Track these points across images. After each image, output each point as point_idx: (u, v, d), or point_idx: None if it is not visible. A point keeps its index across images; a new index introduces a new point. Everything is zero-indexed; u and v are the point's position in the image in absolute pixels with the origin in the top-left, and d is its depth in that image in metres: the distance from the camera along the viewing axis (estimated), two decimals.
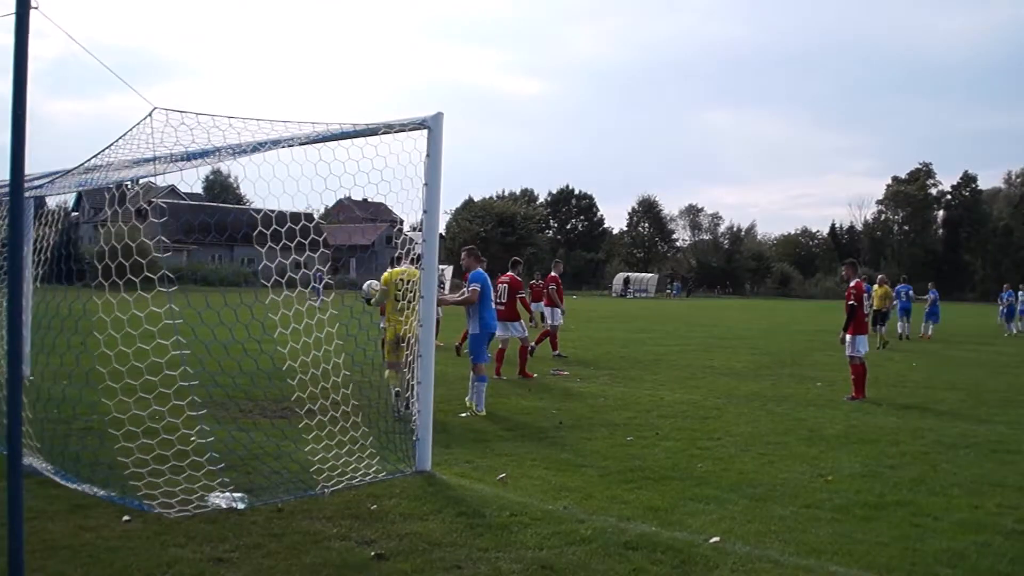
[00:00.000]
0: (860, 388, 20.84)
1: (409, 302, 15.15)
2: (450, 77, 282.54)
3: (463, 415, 17.75)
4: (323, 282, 14.70)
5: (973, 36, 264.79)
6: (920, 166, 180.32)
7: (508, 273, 24.11)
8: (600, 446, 13.74)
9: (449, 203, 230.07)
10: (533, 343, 25.97)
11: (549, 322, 27.95)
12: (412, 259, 15.18)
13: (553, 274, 28.08)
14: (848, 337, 21.22)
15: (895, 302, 45.10)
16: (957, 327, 54.01)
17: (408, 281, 15.54)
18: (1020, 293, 53.09)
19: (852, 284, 21.30)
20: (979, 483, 11.65)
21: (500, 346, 23.04)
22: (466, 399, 18.44)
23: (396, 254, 17.28)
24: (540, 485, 11.47)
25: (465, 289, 18.62)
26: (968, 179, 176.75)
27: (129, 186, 13.60)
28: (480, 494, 11.36)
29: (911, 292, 46.86)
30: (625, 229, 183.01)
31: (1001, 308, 56.19)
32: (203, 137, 11.26)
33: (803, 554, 9.57)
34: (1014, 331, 51.82)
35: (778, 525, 10.31)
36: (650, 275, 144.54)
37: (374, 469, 12.12)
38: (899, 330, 45.38)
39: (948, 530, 10.25)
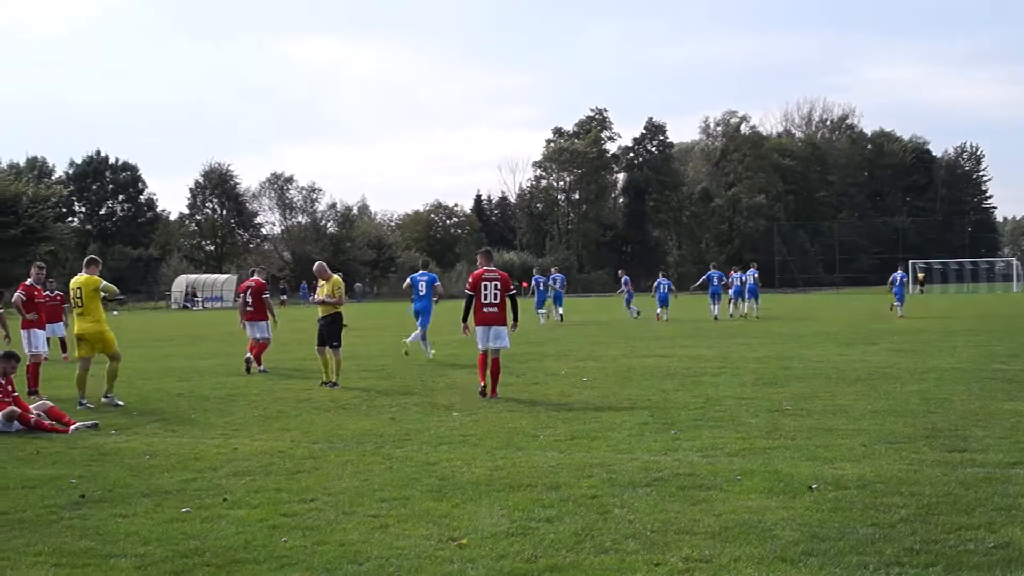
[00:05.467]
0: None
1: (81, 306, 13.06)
2: None
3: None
4: None
5: None
6: (592, 113, 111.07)
7: (255, 278, 18.28)
8: (141, 524, 6.74)
9: None
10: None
11: (259, 336, 17.98)
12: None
13: (259, 279, 18.53)
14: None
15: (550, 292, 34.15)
16: (637, 326, 31.14)
17: (76, 288, 13.09)
18: (748, 272, 35.33)
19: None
20: (662, 532, 6.22)
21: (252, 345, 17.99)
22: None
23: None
24: None
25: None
26: (654, 128, 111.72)
27: None
28: None
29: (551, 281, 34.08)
30: (187, 213, 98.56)
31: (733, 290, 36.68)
32: None
33: None
34: (716, 314, 33.79)
35: None
36: (226, 276, 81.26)
37: None
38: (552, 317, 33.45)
39: None
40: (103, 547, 6.22)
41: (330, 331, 15.32)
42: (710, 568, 5.59)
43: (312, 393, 14.28)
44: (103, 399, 13.12)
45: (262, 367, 17.66)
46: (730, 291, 36.57)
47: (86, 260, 13.65)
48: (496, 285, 13.56)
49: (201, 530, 6.59)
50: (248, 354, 17.79)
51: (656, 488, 7.52)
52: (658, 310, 34.00)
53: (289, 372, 17.75)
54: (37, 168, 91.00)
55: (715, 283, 35.11)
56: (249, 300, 17.90)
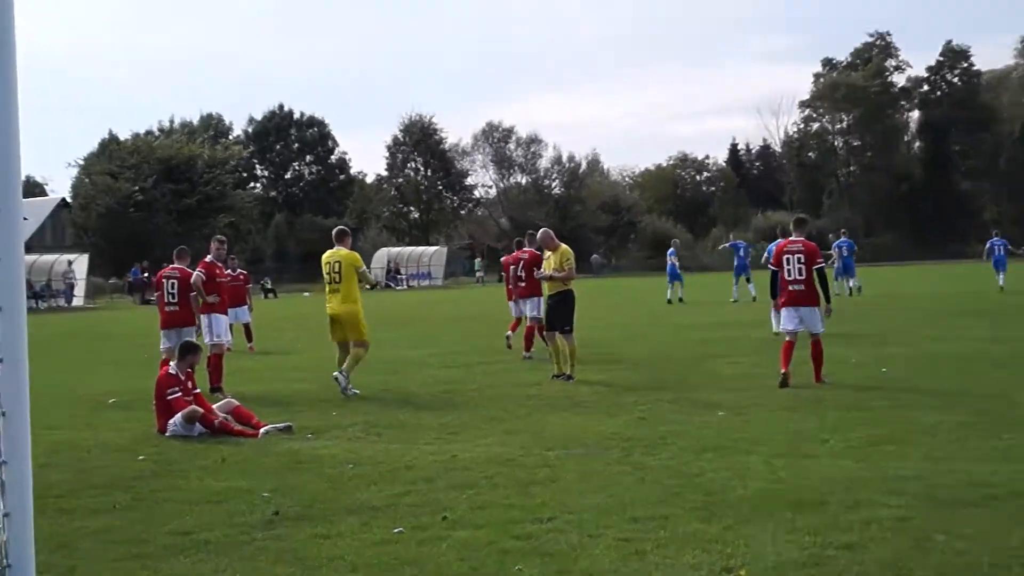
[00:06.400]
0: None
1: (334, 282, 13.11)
2: None
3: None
4: None
5: None
6: (871, 39, 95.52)
7: (527, 249, 17.53)
8: (346, 547, 6.31)
9: (74, 149, 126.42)
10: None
11: (533, 313, 17.25)
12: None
13: (532, 251, 17.30)
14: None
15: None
16: (952, 300, 29.21)
17: (333, 262, 13.16)
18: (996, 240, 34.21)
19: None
20: (1005, 567, 5.36)
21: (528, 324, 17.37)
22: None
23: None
24: None
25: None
26: (954, 54, 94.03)
27: None
28: None
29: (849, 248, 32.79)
30: (385, 175, 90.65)
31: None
32: None
33: None
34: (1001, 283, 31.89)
35: None
36: (434, 249, 75.96)
37: None
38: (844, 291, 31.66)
39: None
40: (303, 573, 5.82)
41: (560, 313, 13.96)
42: None
43: (542, 388, 13.27)
44: (335, 375, 12.98)
45: (528, 353, 16.83)
46: None
47: (336, 232, 13.65)
48: (800, 259, 12.71)
49: (418, 555, 6.06)
50: (509, 332, 18.20)
51: (990, 508, 6.55)
52: (998, 276, 32.43)
53: (511, 361, 16.67)
54: (213, 127, 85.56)
55: None
56: (522, 274, 17.32)
